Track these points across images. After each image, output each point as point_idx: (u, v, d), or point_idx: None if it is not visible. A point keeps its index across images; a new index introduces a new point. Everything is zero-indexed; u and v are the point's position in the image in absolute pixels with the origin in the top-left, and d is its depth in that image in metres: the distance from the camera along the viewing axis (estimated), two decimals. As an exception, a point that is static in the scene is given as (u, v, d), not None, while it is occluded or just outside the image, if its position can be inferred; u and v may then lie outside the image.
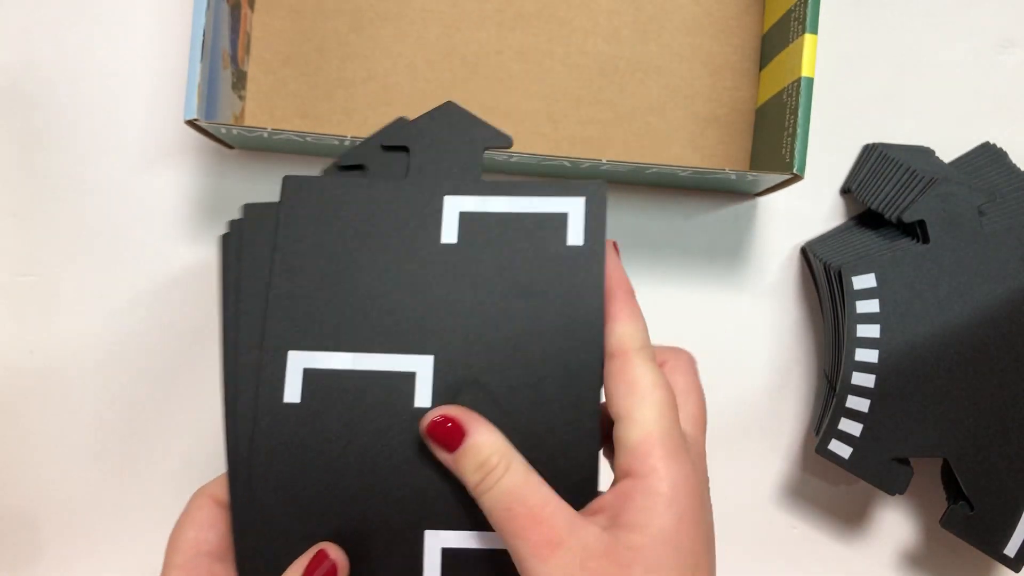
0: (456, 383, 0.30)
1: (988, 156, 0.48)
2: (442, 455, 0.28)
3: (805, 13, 0.41)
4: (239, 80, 0.46)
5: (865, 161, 0.48)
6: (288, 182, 0.31)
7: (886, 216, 0.45)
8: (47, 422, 0.47)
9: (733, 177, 0.43)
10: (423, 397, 0.30)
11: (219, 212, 0.48)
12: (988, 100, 0.50)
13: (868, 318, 0.44)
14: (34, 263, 0.47)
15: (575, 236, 0.31)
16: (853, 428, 0.44)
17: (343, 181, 0.31)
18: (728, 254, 0.49)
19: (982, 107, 0.50)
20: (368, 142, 0.32)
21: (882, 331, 0.43)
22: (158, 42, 0.48)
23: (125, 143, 0.47)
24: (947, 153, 0.49)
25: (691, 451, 0.27)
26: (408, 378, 0.30)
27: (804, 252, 0.49)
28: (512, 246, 0.31)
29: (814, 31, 0.41)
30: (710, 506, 0.28)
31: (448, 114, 0.32)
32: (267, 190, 0.48)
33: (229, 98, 0.44)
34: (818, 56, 0.42)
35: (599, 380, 0.30)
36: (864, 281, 0.44)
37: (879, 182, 0.47)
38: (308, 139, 0.42)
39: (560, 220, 0.31)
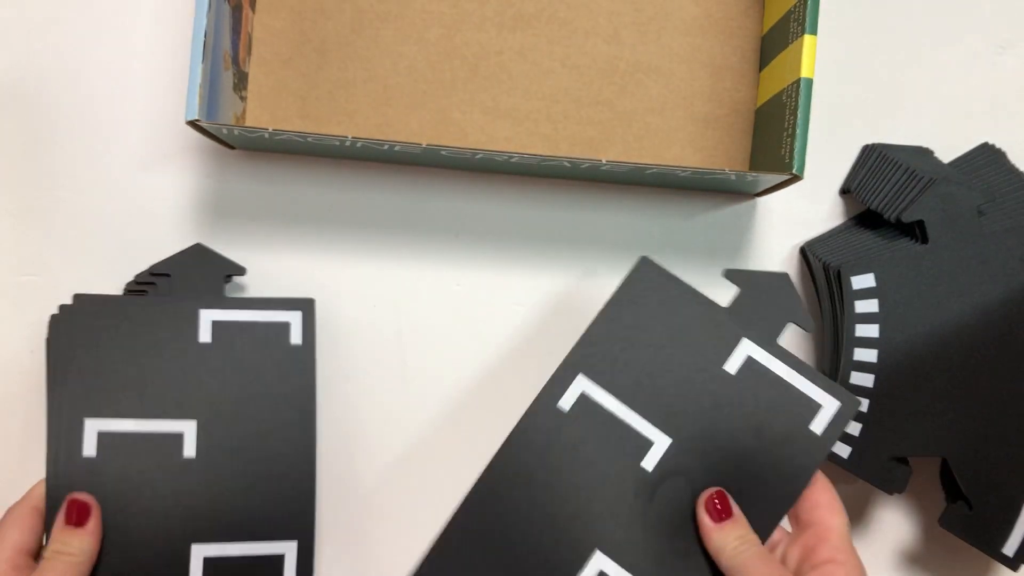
0: (216, 443, 0.42)
1: (987, 156, 0.48)
2: (708, 521, 0.38)
3: (805, 14, 0.42)
4: (240, 81, 0.46)
5: (864, 161, 0.48)
6: (79, 301, 0.42)
7: (885, 216, 0.45)
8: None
9: (733, 177, 0.43)
10: (189, 449, 0.42)
11: (220, 212, 0.48)
12: (988, 100, 0.50)
13: (867, 318, 0.44)
14: (34, 263, 0.47)
15: (296, 337, 0.43)
16: (852, 428, 0.44)
17: (123, 300, 0.43)
18: (728, 254, 0.49)
19: (982, 107, 0.50)
20: (149, 270, 0.44)
21: (881, 331, 0.44)
22: (159, 43, 0.48)
23: (126, 143, 0.48)
24: (947, 153, 0.49)
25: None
26: (178, 436, 0.42)
27: (803, 252, 0.49)
28: (251, 342, 0.43)
29: (813, 32, 0.41)
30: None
31: (196, 252, 0.44)
32: (267, 190, 0.48)
33: (230, 99, 0.44)
34: (818, 56, 0.42)
35: (312, 455, 0.43)
36: (863, 281, 0.44)
37: (878, 182, 0.47)
38: (309, 139, 0.42)
39: (284, 327, 0.44)
